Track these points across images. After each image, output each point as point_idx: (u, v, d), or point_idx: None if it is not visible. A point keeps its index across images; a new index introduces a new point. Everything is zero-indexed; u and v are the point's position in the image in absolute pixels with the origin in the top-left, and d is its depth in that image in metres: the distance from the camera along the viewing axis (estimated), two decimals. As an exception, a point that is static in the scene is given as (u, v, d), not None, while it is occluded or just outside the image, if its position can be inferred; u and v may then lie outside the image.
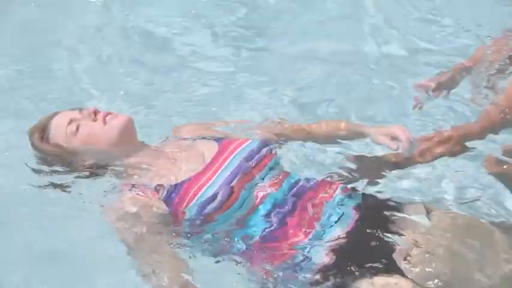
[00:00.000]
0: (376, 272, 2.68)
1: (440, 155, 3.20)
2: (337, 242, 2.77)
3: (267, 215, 2.84)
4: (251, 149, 2.98)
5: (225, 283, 2.89)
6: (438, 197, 3.21)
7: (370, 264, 2.69)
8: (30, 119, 3.24)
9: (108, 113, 3.05)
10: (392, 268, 2.68)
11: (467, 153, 3.25)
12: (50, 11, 4.82)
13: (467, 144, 3.21)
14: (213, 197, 2.84)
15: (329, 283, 2.73)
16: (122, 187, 2.97)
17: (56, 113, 3.13)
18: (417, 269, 2.66)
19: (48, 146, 3.08)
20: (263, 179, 2.91)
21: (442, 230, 2.74)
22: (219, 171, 2.90)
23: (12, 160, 3.25)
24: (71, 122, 3.04)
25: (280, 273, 2.78)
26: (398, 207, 2.89)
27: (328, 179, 3.08)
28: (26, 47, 4.58)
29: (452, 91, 3.53)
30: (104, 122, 3.02)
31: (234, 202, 2.85)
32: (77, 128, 3.02)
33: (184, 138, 3.13)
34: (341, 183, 2.98)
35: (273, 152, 3.03)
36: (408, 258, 2.68)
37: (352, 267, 2.71)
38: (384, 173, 3.23)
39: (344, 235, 2.78)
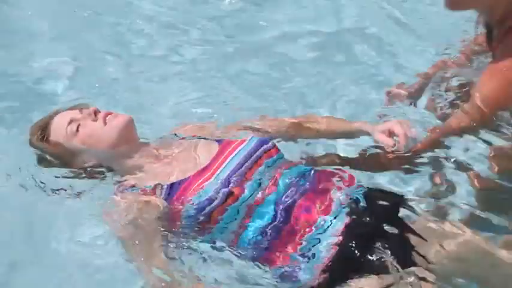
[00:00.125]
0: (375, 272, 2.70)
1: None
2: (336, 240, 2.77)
3: (267, 216, 2.83)
4: (251, 146, 2.97)
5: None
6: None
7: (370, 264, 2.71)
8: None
9: (109, 113, 3.05)
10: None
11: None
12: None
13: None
14: (212, 197, 2.83)
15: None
16: (121, 187, 2.98)
17: (56, 112, 3.13)
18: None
19: (49, 145, 3.08)
20: (264, 177, 2.89)
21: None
22: (218, 171, 2.89)
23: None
24: (71, 121, 3.05)
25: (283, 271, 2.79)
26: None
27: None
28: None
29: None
30: (104, 122, 3.02)
31: (234, 202, 2.84)
32: (77, 128, 3.03)
33: (184, 138, 3.12)
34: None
35: (275, 147, 3.01)
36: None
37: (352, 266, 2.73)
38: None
39: (342, 232, 2.78)
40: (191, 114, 3.90)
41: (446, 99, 3.34)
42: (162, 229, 2.88)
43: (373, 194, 2.88)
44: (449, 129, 3.10)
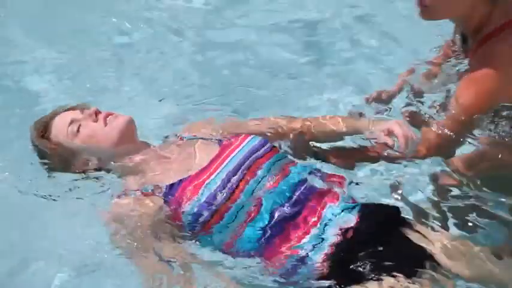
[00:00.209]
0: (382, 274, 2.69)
1: None
2: (337, 240, 2.77)
3: (267, 216, 2.83)
4: (251, 147, 2.97)
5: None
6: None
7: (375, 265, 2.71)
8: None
9: (109, 114, 3.05)
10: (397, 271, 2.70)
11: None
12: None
13: None
14: (212, 197, 2.83)
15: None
16: (120, 189, 2.98)
17: (57, 112, 3.14)
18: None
19: (49, 144, 3.08)
20: (264, 178, 2.89)
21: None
22: (218, 171, 2.89)
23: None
24: (72, 122, 3.05)
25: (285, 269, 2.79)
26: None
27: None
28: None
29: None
30: (105, 123, 3.03)
31: (234, 202, 2.84)
32: (78, 129, 3.04)
33: (184, 138, 3.12)
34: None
35: (275, 148, 3.02)
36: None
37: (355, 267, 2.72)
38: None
39: (344, 232, 2.79)
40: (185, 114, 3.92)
41: (419, 107, 3.36)
42: (162, 230, 2.87)
43: (369, 207, 2.89)
44: (426, 142, 3.10)
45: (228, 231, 2.85)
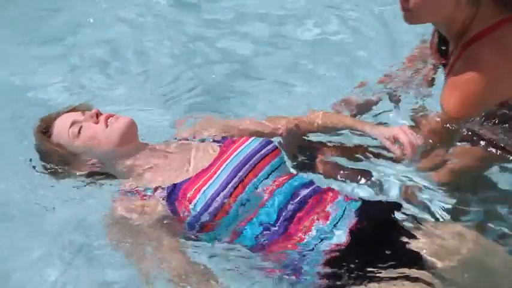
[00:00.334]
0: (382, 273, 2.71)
1: None
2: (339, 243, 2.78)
3: (266, 217, 2.84)
4: (252, 148, 2.97)
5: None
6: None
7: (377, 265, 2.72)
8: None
9: (110, 115, 3.06)
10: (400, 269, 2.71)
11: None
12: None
13: None
14: (213, 198, 2.84)
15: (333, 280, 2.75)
16: (121, 191, 2.99)
17: (59, 114, 3.14)
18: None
19: (51, 145, 3.08)
20: (265, 180, 2.90)
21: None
22: (218, 172, 2.90)
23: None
24: (73, 123, 3.06)
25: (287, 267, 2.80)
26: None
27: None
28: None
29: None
30: (106, 125, 3.03)
31: (234, 203, 2.84)
32: (79, 130, 3.04)
33: (186, 139, 3.13)
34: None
35: (277, 150, 3.01)
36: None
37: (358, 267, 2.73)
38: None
39: (347, 235, 2.79)
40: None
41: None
42: (163, 230, 2.88)
43: (370, 204, 2.90)
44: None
45: (228, 231, 2.86)
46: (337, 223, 2.81)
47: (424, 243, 2.77)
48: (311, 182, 2.95)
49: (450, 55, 3.12)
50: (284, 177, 2.93)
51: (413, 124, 3.23)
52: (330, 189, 2.94)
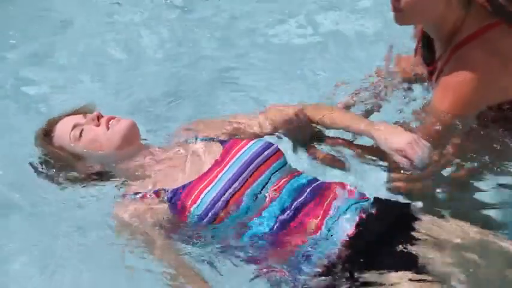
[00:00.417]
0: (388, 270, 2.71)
1: None
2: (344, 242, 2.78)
3: (270, 220, 2.84)
4: (253, 151, 2.96)
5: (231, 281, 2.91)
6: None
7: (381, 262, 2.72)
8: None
9: (111, 118, 3.06)
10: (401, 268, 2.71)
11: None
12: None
13: None
14: (214, 202, 2.84)
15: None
16: (123, 194, 2.99)
17: (60, 117, 3.14)
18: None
19: (53, 149, 3.09)
20: (266, 184, 2.90)
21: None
22: (220, 175, 2.90)
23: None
24: (74, 126, 3.06)
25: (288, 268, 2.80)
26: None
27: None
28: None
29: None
30: (107, 127, 3.03)
31: (236, 207, 2.85)
32: (81, 133, 3.04)
33: (189, 140, 3.11)
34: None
35: (279, 152, 3.00)
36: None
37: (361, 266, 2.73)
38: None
39: (351, 233, 2.79)
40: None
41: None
42: (166, 233, 2.90)
43: (379, 203, 2.89)
44: None
45: (228, 234, 2.86)
46: (338, 225, 2.80)
47: (427, 247, 2.78)
48: (312, 180, 2.93)
49: (438, 60, 3.12)
50: (285, 179, 2.91)
51: None
52: (334, 186, 2.92)
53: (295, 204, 2.85)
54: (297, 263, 2.79)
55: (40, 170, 3.11)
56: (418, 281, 2.67)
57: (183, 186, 2.90)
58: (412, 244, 2.76)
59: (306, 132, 3.17)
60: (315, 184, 2.92)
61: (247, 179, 2.89)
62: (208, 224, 2.85)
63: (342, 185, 2.94)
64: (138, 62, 4.53)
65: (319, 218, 2.82)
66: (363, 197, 2.91)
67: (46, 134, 3.11)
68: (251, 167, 2.92)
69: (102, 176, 3.08)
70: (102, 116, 3.07)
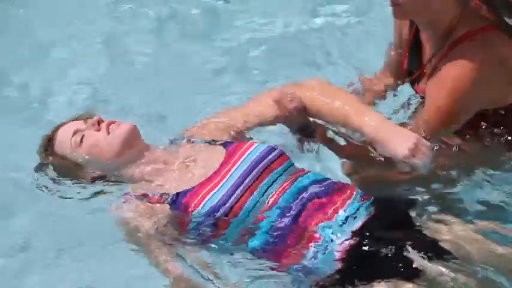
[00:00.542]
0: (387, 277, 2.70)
1: None
2: (346, 246, 2.78)
3: (272, 224, 2.85)
4: (258, 154, 2.94)
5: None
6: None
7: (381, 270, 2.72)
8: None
9: (111, 122, 3.05)
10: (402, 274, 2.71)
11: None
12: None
13: None
14: (217, 207, 2.84)
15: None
16: (127, 197, 3.00)
17: (61, 124, 3.14)
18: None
19: (55, 158, 3.10)
20: (271, 186, 2.89)
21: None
22: (224, 181, 2.89)
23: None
24: (75, 132, 3.06)
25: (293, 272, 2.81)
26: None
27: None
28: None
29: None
30: (108, 132, 3.03)
31: (239, 211, 2.85)
32: (81, 139, 3.04)
33: (192, 142, 3.10)
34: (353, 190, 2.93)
35: (284, 155, 2.97)
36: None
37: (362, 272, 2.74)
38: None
39: (353, 237, 2.78)
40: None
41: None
42: (167, 236, 2.92)
43: (382, 202, 2.89)
44: None
45: (231, 239, 2.88)
46: (340, 228, 2.81)
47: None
48: (316, 181, 2.92)
49: (429, 61, 3.13)
50: (289, 182, 2.91)
51: None
52: (339, 188, 2.91)
53: (295, 209, 2.85)
54: (296, 274, 2.81)
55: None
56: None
57: (187, 191, 2.90)
58: (408, 249, 2.75)
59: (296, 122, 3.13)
60: (318, 185, 2.91)
61: (250, 185, 2.88)
62: (210, 230, 2.87)
63: (345, 185, 2.95)
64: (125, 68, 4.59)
65: (320, 223, 2.82)
66: (364, 197, 2.90)
67: (47, 143, 3.12)
68: (255, 171, 2.91)
69: (106, 179, 3.08)
70: (102, 121, 3.06)
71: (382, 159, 2.95)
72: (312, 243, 2.80)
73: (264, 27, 4.80)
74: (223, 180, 2.90)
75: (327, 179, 2.96)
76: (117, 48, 4.73)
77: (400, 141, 2.88)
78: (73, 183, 3.09)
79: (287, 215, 2.85)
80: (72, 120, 3.16)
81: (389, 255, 2.73)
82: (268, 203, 2.87)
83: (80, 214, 3.11)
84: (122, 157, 3.04)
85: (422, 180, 3.12)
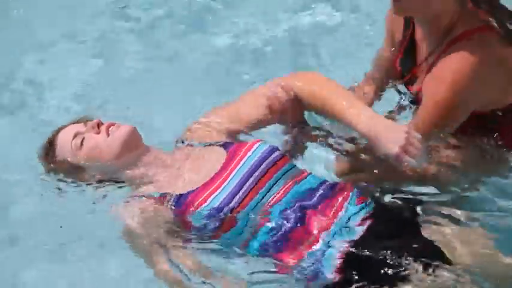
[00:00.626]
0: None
1: None
2: (346, 250, 2.78)
3: (274, 225, 2.85)
4: (260, 155, 2.94)
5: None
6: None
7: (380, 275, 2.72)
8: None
9: (111, 124, 3.05)
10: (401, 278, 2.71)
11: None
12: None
13: None
14: (219, 209, 2.85)
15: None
16: (129, 198, 3.01)
17: (62, 128, 3.15)
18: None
19: (56, 163, 3.11)
20: (273, 187, 2.89)
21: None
22: (228, 180, 2.90)
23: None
24: (75, 135, 3.07)
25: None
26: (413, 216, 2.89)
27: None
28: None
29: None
30: (107, 134, 3.03)
31: (243, 211, 2.86)
32: (82, 142, 3.05)
33: (191, 145, 3.10)
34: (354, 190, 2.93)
35: (285, 156, 2.97)
36: None
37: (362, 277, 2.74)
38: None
39: (353, 244, 2.79)
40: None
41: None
42: (169, 237, 2.92)
43: (380, 203, 2.90)
44: None
45: (233, 241, 2.89)
46: (340, 230, 2.82)
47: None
48: (319, 184, 2.92)
49: (428, 56, 3.13)
50: (290, 183, 2.91)
51: None
52: (341, 189, 2.92)
53: (296, 211, 2.85)
54: (296, 276, 2.82)
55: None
56: None
57: (190, 192, 2.91)
58: (407, 252, 2.75)
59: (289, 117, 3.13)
60: (319, 187, 2.92)
61: (253, 185, 2.89)
62: (212, 232, 2.89)
63: (344, 186, 2.95)
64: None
65: (321, 225, 2.83)
66: (360, 197, 2.91)
67: (48, 147, 3.12)
68: (257, 172, 2.91)
69: (107, 181, 3.09)
70: (102, 123, 3.07)
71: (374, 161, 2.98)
72: (312, 245, 2.81)
73: (258, 26, 4.84)
74: (227, 181, 2.91)
75: (326, 181, 2.97)
76: (117, 48, 4.75)
77: (390, 139, 2.87)
78: (74, 186, 3.10)
79: (289, 216, 2.86)
80: (73, 123, 3.16)
81: (388, 258, 2.74)
82: (270, 203, 2.88)
83: (80, 214, 3.12)
84: (122, 159, 3.04)
85: (421, 182, 3.13)
